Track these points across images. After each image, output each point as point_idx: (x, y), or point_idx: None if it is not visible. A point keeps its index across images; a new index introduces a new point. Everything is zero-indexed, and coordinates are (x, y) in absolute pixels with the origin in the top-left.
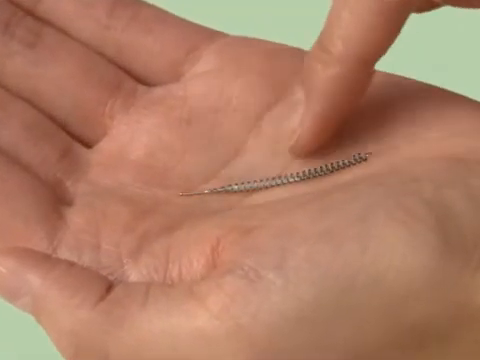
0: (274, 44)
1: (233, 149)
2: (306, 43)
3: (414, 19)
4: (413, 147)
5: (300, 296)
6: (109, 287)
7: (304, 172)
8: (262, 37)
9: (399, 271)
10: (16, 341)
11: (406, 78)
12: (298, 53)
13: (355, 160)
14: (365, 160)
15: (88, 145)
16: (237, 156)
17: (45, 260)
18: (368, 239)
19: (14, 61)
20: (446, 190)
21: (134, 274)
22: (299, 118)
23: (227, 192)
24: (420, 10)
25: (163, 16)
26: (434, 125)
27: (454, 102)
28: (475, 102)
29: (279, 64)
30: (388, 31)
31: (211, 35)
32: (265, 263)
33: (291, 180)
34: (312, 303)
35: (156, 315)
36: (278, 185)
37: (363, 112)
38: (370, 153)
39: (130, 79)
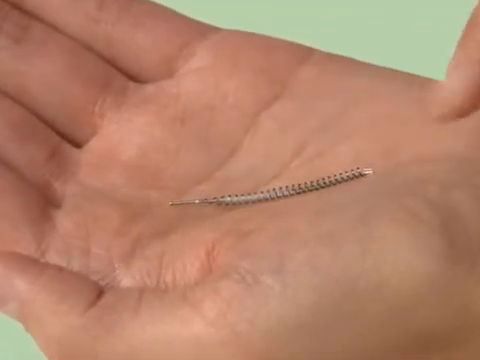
0: (270, 39)
1: (229, 149)
2: (305, 39)
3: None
4: (414, 147)
5: (299, 301)
6: (100, 293)
7: (300, 185)
8: (258, 31)
9: (402, 276)
10: (15, 341)
11: (403, 72)
12: (295, 48)
13: (353, 175)
14: (363, 176)
15: (77, 145)
16: (233, 156)
17: (33, 265)
18: (369, 242)
19: (0, 56)
20: (452, 191)
21: (126, 279)
22: (453, 80)
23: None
24: None
25: (155, 10)
26: (433, 123)
27: None
28: None
29: (276, 59)
30: None
31: (206, 30)
32: (263, 267)
33: (286, 193)
34: (311, 308)
35: (149, 322)
36: (272, 199)
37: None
38: (370, 170)
39: (121, 76)
